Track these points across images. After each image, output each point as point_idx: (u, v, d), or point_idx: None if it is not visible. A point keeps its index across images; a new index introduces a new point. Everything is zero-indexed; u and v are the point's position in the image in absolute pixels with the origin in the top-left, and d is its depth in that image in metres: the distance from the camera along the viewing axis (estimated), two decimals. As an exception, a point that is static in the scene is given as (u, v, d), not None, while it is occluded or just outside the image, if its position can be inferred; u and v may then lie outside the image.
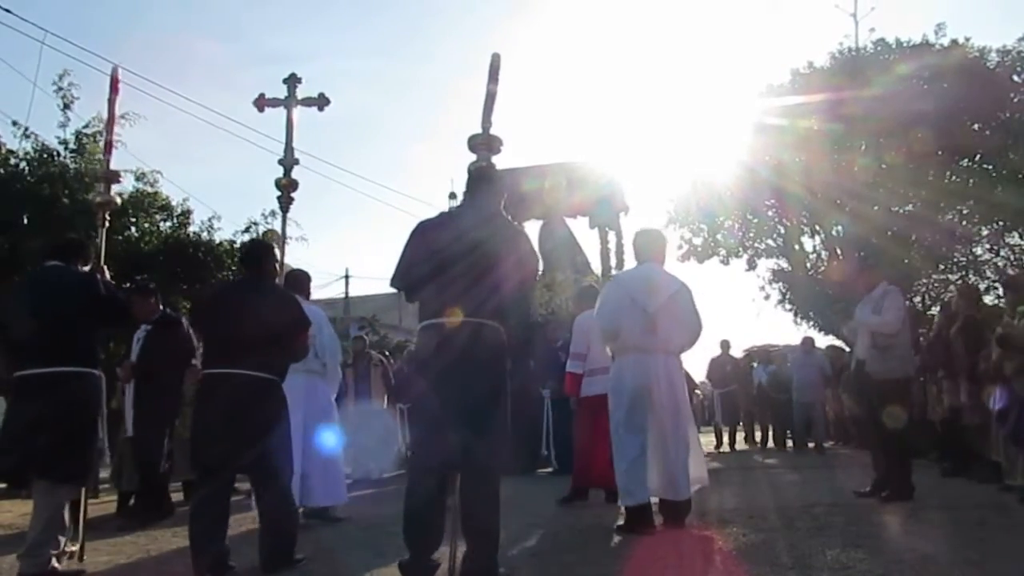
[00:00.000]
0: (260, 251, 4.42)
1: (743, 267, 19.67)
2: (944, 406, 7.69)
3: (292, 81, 5.70)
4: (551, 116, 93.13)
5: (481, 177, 3.89)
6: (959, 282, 15.72)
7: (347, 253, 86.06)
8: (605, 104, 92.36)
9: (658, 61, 78.91)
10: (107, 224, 4.95)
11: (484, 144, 4.37)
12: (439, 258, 3.51)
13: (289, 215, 5.85)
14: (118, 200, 5.51)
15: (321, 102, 5.77)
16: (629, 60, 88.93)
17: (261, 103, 5.74)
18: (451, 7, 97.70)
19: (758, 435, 13.60)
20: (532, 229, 12.98)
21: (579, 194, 11.52)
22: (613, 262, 12.29)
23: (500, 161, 4.21)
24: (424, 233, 3.67)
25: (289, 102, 5.71)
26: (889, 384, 6.05)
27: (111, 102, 5.02)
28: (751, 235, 19.28)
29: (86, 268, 4.33)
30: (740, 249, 19.32)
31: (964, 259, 17.29)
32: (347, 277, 32.42)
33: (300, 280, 5.87)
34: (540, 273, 11.73)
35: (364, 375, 9.83)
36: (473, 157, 4.14)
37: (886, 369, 6.07)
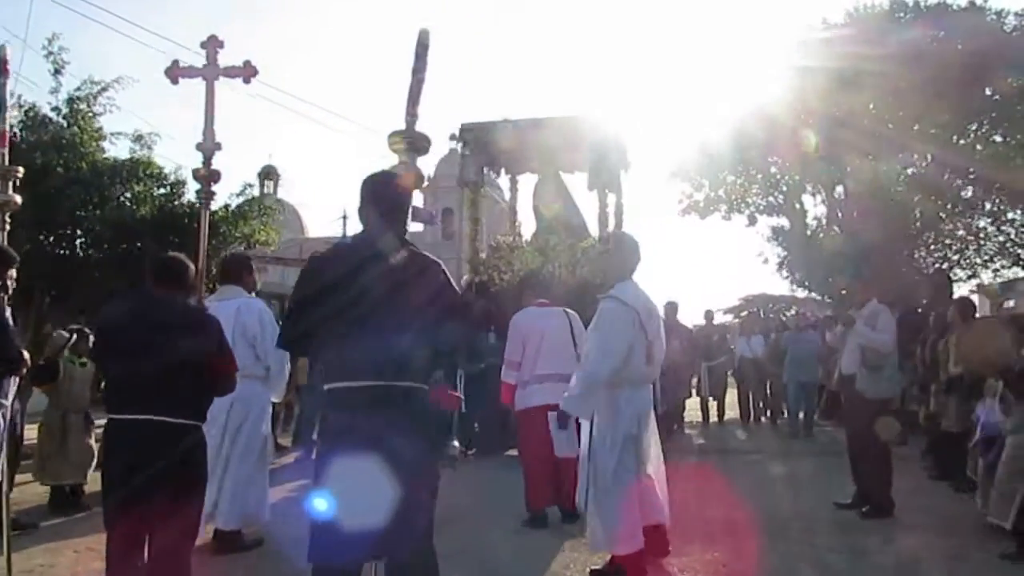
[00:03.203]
0: (177, 268, 3.56)
1: (744, 223, 19.53)
2: (929, 409, 7.63)
3: (212, 45, 4.57)
4: (550, 65, 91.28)
5: (384, 198, 3.06)
6: (956, 255, 15.51)
7: (345, 191, 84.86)
8: (606, 54, 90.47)
9: (662, 11, 76.83)
10: (7, 227, 4.57)
11: (408, 143, 3.79)
12: (340, 304, 2.80)
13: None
14: (18, 200, 4.96)
15: (247, 72, 4.61)
16: (632, 9, 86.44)
17: (175, 73, 4.61)
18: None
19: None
20: (527, 185, 12.50)
21: (578, 149, 10.68)
22: (612, 224, 11.82)
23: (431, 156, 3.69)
24: (320, 273, 2.95)
25: (209, 71, 4.57)
26: (875, 404, 6.03)
27: (2, 87, 4.58)
28: (754, 190, 19.01)
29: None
30: (742, 205, 19.09)
31: (963, 231, 16.86)
32: (344, 218, 31.15)
33: (236, 269, 5.06)
34: (528, 238, 11.37)
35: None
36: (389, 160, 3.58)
37: (874, 389, 6.03)
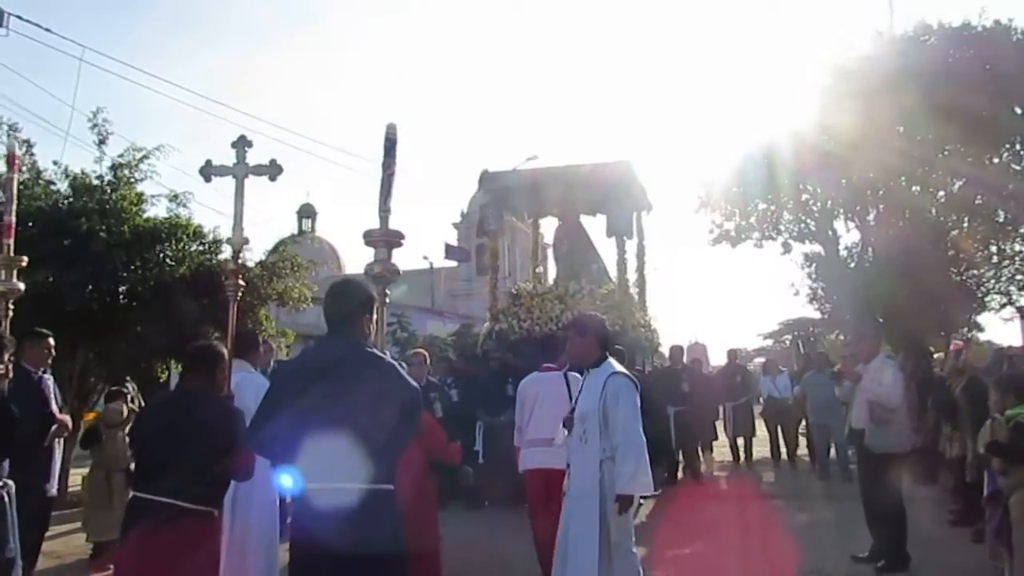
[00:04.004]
0: (206, 360, 3.83)
1: (778, 250, 19.33)
2: (953, 452, 7.47)
3: (242, 145, 4.68)
4: (568, 113, 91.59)
5: (334, 311, 3.17)
6: (991, 279, 15.12)
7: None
8: (634, 85, 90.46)
9: (689, 40, 76.68)
10: (10, 314, 4.79)
11: (382, 239, 3.84)
12: (302, 410, 2.94)
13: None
14: (21, 287, 5.20)
15: (273, 171, 4.70)
16: (659, 38, 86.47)
17: (208, 172, 4.71)
18: None
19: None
20: (548, 230, 12.73)
21: (596, 196, 10.97)
22: (634, 269, 11.91)
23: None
24: (285, 381, 3.16)
25: (239, 170, 4.67)
26: (886, 458, 6.03)
27: (10, 180, 4.82)
28: (786, 217, 18.84)
29: None
30: (774, 232, 18.92)
31: (997, 255, 16.44)
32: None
33: (243, 346, 5.07)
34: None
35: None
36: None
37: (884, 444, 6.03)
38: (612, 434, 4.31)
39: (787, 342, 24.24)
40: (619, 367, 4.55)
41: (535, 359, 8.48)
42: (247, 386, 4.90)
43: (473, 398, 9.12)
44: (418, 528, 4.47)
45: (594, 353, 4.57)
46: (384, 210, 3.85)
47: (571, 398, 5.77)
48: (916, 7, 39.19)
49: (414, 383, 3.17)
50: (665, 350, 12.01)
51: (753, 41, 55.36)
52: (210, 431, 3.59)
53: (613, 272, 11.47)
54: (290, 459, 2.97)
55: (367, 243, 3.83)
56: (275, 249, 12.46)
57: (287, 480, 3.00)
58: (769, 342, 24.68)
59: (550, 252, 12.18)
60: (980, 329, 18.00)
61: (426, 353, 7.60)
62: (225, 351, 4.02)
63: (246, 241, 4.73)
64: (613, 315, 10.20)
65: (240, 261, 4.70)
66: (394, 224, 3.98)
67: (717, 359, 18.04)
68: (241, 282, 4.68)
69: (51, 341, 5.80)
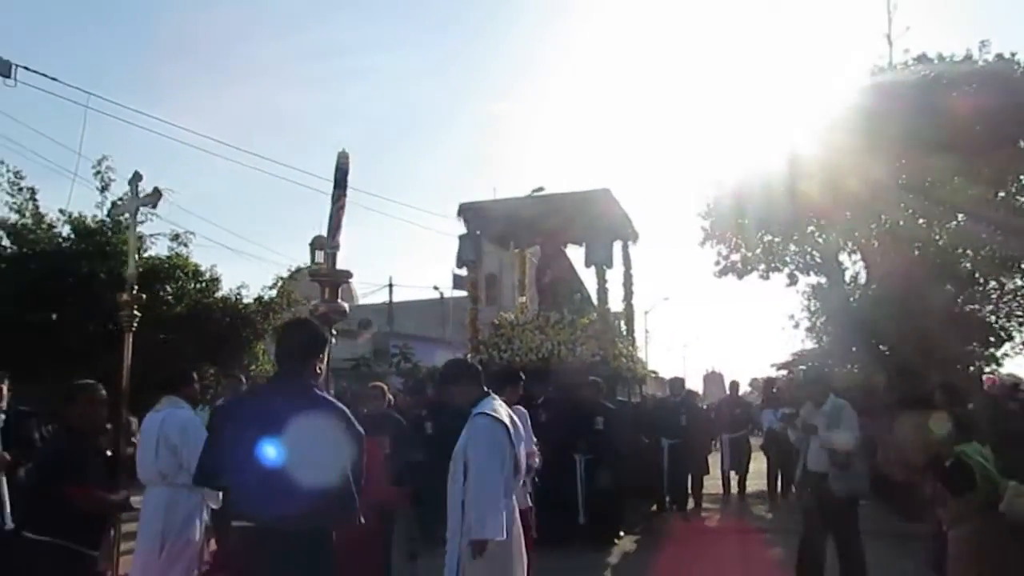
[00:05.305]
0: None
1: (784, 282, 19.08)
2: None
3: (135, 180, 4.74)
4: (570, 142, 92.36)
5: (278, 353, 3.23)
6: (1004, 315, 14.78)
7: (388, 259, 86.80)
8: (635, 115, 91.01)
9: (690, 72, 77.21)
10: None
11: (327, 279, 3.76)
12: (241, 450, 2.97)
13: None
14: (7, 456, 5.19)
15: (154, 198, 4.78)
16: (662, 70, 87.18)
17: (113, 213, 4.74)
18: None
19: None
20: (530, 260, 12.73)
21: (577, 225, 10.81)
22: (620, 298, 11.76)
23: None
24: (230, 422, 3.18)
25: (131, 204, 4.78)
26: (847, 502, 6.04)
27: None
28: (792, 249, 18.65)
29: None
30: (779, 263, 18.71)
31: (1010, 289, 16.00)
32: (391, 286, 31.27)
33: (174, 382, 5.18)
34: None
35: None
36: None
37: (848, 488, 6.02)
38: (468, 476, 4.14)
39: (800, 373, 23.72)
40: (491, 405, 4.34)
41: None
42: (173, 420, 5.05)
43: (444, 431, 9.10)
44: (359, 571, 4.46)
45: (474, 393, 4.45)
46: (332, 247, 3.78)
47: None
48: (914, 41, 38.88)
49: (358, 428, 3.18)
50: (653, 381, 11.91)
51: (754, 73, 55.51)
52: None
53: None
54: (228, 494, 3.05)
55: (313, 280, 3.84)
56: (274, 286, 12.75)
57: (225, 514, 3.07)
58: (783, 373, 24.13)
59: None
60: (998, 363, 17.37)
61: (384, 386, 7.66)
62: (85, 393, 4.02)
63: (138, 271, 4.74)
64: (593, 345, 10.18)
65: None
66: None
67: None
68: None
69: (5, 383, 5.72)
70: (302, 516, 2.90)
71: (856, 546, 6.04)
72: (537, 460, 4.85)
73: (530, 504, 5.18)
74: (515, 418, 4.48)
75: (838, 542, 6.11)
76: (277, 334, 3.38)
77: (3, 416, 5.48)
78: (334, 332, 4.08)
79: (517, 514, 4.34)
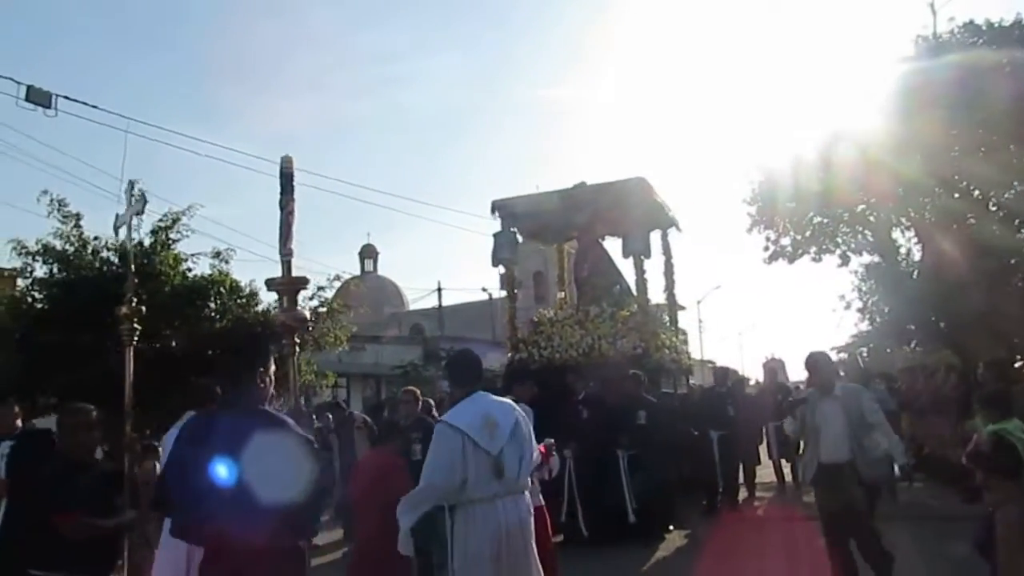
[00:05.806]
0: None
1: (836, 263, 18.41)
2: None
3: (130, 188, 4.82)
4: (608, 133, 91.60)
5: (237, 361, 3.25)
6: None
7: (437, 264, 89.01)
8: (680, 101, 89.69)
9: (737, 59, 75.83)
10: None
11: (285, 286, 3.66)
12: (204, 473, 2.98)
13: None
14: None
15: (141, 203, 4.93)
16: (710, 53, 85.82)
17: (116, 225, 4.98)
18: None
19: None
20: (568, 254, 12.46)
21: (614, 217, 10.61)
22: (662, 288, 11.48)
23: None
24: (188, 445, 3.19)
25: (128, 212, 4.87)
26: (870, 487, 5.83)
27: None
28: (843, 229, 18.00)
29: None
30: (831, 244, 18.07)
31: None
32: (439, 290, 31.66)
33: (198, 398, 4.97)
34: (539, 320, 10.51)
35: (348, 443, 9.18)
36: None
37: (877, 474, 5.87)
38: None
39: (862, 355, 22.86)
40: (460, 408, 3.94)
41: (558, 388, 8.31)
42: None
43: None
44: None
45: (456, 395, 4.16)
46: (285, 254, 3.66)
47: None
48: (959, 9, 37.22)
49: (304, 436, 3.16)
50: (699, 369, 11.55)
51: (798, 52, 54.20)
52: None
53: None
54: (192, 516, 3.07)
55: (270, 290, 3.80)
56: (314, 295, 12.81)
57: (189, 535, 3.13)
58: (843, 356, 23.36)
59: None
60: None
61: (416, 391, 7.55)
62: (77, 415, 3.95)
63: (136, 283, 4.71)
64: (634, 338, 9.91)
65: (131, 307, 4.74)
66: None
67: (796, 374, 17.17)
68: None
69: (15, 408, 5.88)
70: (258, 534, 2.90)
71: (876, 539, 5.66)
72: (554, 461, 4.56)
73: (541, 501, 4.91)
74: (519, 418, 4.06)
75: (859, 540, 5.62)
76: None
77: (11, 442, 5.40)
78: (297, 340, 3.98)
79: (523, 515, 3.94)
